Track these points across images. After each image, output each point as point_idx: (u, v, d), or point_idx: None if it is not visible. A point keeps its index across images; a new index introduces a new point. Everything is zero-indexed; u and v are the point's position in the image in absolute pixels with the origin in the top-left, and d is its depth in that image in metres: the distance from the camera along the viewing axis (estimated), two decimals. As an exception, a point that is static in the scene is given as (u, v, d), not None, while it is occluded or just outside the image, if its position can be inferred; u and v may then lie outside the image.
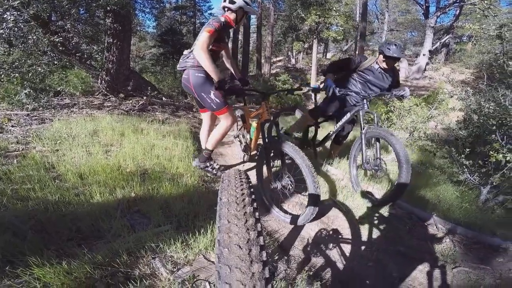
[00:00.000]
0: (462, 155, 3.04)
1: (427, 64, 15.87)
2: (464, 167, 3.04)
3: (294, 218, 2.08)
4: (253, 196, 0.92)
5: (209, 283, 1.24)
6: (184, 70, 2.32)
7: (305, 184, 1.85)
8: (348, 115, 2.71)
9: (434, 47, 15.80)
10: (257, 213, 0.83)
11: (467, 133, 3.67)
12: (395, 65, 2.77)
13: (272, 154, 2.24)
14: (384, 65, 2.60)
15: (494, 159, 2.59)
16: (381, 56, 2.58)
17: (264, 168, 2.27)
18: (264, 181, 2.33)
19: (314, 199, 1.83)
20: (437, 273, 1.91)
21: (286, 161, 2.13)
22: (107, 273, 1.23)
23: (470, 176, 2.99)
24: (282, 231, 2.13)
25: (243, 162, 3.16)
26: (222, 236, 0.71)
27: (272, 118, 2.27)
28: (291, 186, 2.08)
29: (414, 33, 24.61)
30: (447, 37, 16.53)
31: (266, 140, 2.18)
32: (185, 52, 2.37)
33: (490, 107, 3.28)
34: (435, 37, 15.69)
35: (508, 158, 2.51)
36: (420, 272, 1.91)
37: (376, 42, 23.12)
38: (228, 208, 0.82)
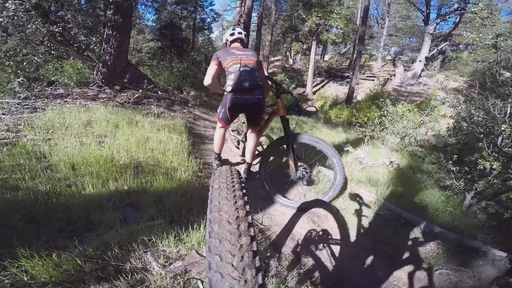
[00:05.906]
0: (450, 161, 3.11)
1: (423, 70, 16.05)
2: (451, 173, 3.11)
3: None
4: (243, 184, 0.97)
5: (202, 282, 1.23)
6: (256, 88, 2.10)
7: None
8: None
9: (431, 54, 15.98)
10: (246, 197, 0.87)
11: (455, 140, 3.75)
12: None
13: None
14: None
15: (482, 167, 2.67)
16: None
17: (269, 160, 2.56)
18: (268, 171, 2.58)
19: (342, 181, 2.34)
20: (420, 274, 1.99)
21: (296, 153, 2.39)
22: (98, 267, 1.21)
23: (456, 181, 3.06)
24: (274, 229, 2.15)
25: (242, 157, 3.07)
26: (213, 214, 0.75)
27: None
28: (307, 175, 2.41)
29: (412, 39, 24.85)
30: (444, 44, 16.76)
31: (288, 133, 2.32)
32: (249, 64, 2.09)
33: (480, 115, 3.34)
34: (432, 44, 15.87)
35: (494, 166, 2.60)
36: (405, 273, 1.99)
37: (374, 46, 23.26)
38: (219, 192, 0.86)
